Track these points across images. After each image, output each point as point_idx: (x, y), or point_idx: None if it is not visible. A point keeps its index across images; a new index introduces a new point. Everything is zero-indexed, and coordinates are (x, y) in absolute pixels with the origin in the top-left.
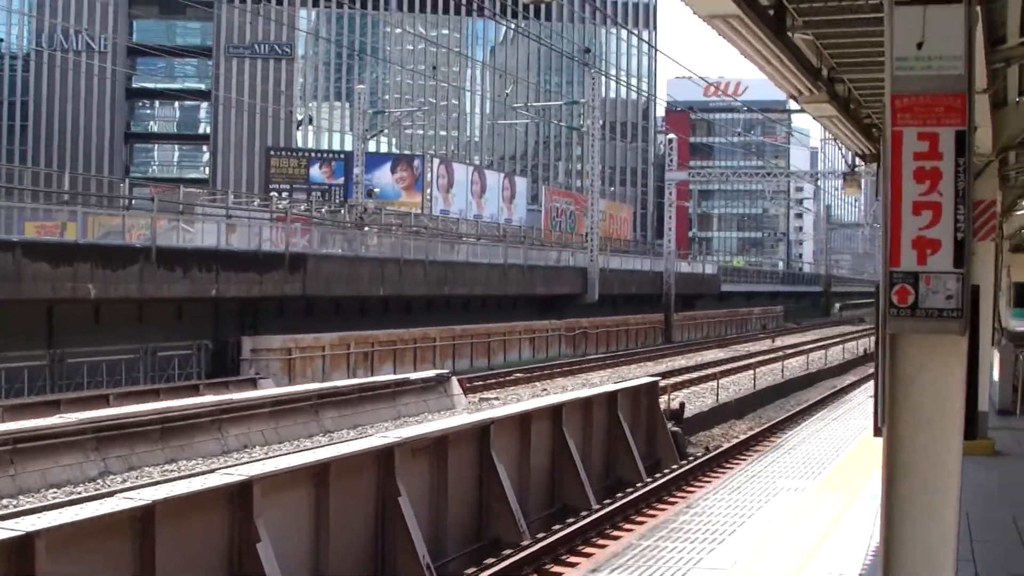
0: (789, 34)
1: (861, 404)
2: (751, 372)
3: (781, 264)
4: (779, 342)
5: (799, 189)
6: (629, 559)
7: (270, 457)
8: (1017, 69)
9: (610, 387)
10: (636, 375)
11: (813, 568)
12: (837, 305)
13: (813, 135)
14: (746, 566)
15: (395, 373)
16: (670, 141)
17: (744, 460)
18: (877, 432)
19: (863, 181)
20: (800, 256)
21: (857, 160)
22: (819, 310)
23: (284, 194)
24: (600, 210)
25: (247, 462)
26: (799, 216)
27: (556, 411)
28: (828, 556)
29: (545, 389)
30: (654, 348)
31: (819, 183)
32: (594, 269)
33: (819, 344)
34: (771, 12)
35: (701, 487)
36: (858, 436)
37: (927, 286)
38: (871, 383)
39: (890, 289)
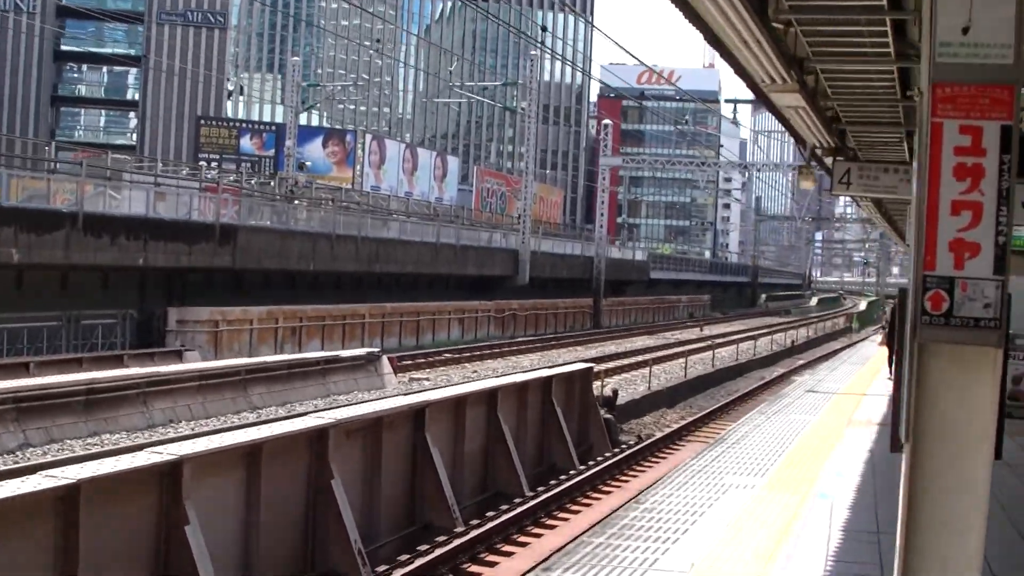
0: (770, 17)
1: (799, 399)
2: (682, 360)
3: (708, 253)
4: (707, 331)
5: (728, 180)
6: (582, 557)
7: (199, 434)
8: None
9: (545, 372)
10: (566, 359)
11: (775, 572)
12: (763, 296)
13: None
14: (704, 569)
15: (323, 349)
16: (605, 127)
17: (678, 449)
18: (896, 448)
19: (819, 174)
20: (726, 246)
21: (817, 152)
22: (745, 300)
23: (214, 164)
24: (532, 192)
25: (175, 439)
26: (727, 206)
27: (491, 395)
28: (788, 559)
29: (476, 371)
30: (583, 333)
31: (750, 174)
32: (525, 251)
33: (747, 335)
34: None
35: (636, 476)
36: (800, 432)
37: (963, 293)
38: (801, 375)
39: (922, 294)
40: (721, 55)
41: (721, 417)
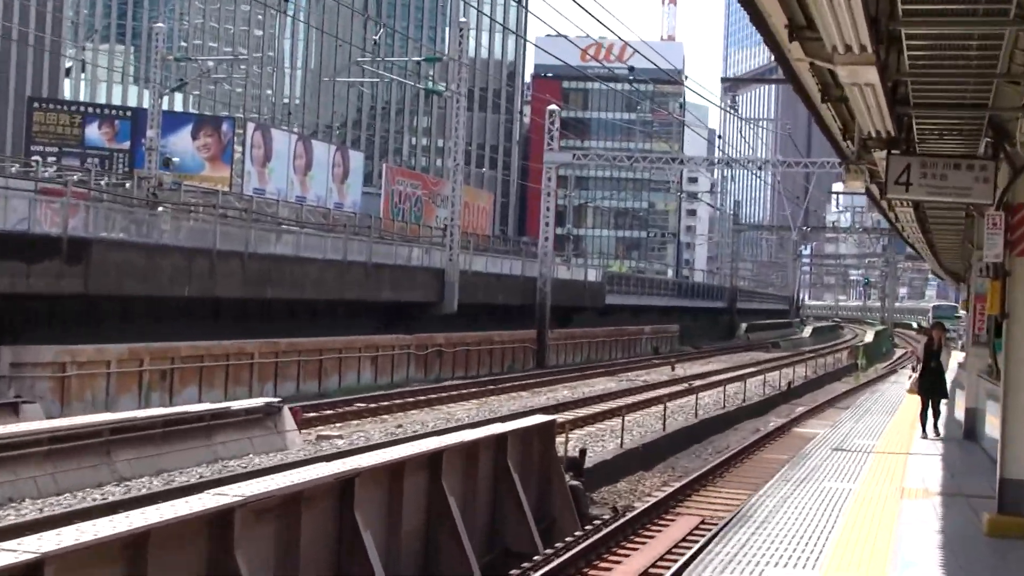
0: None
1: (827, 460)
2: (656, 409)
3: (670, 272)
4: (681, 370)
5: (693, 180)
6: None
7: (55, 519)
8: None
9: (497, 427)
10: (510, 409)
11: None
12: (743, 326)
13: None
14: None
15: (201, 399)
16: (551, 113)
17: (666, 526)
18: None
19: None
20: (691, 263)
21: (869, 144)
22: (721, 330)
23: (51, 159)
24: (460, 197)
25: (29, 524)
26: (693, 213)
27: (434, 459)
28: None
29: (400, 426)
30: (526, 374)
31: (723, 173)
32: (454, 271)
33: (732, 375)
34: None
35: (619, 563)
36: (842, 506)
37: None
38: (808, 426)
39: None
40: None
41: (714, 482)
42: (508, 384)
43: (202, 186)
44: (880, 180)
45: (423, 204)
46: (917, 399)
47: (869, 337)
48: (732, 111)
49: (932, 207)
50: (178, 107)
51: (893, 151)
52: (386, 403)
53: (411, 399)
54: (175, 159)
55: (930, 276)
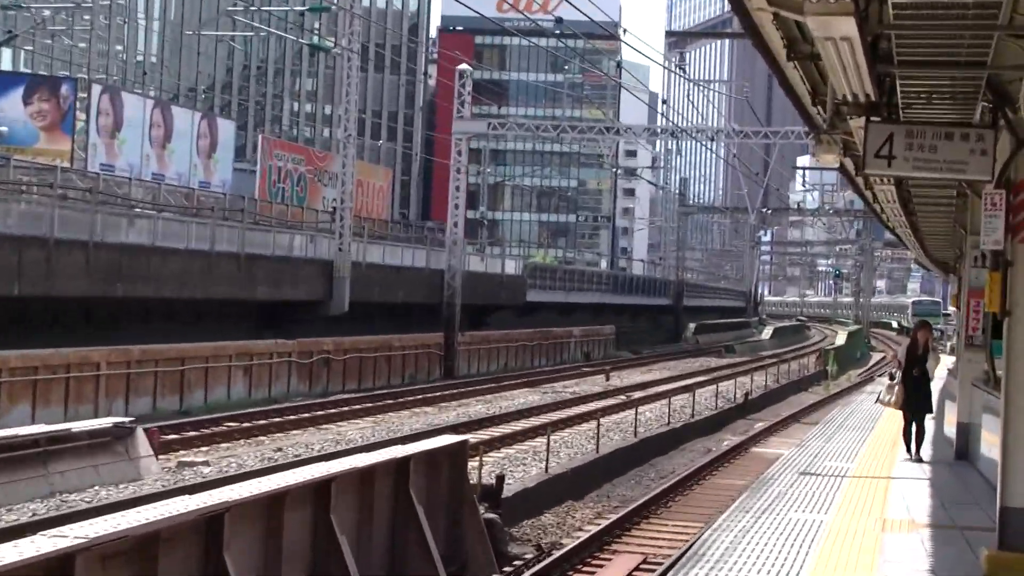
0: None
1: (793, 486)
2: (589, 426)
3: (604, 263)
4: (617, 379)
5: (631, 154)
6: None
7: None
8: None
9: (398, 450)
10: (414, 428)
11: None
12: (691, 327)
13: (655, 75)
14: None
15: (34, 419)
16: (463, 75)
17: (600, 567)
18: None
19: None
20: (627, 252)
21: (844, 109)
22: (665, 332)
23: None
24: (352, 174)
25: None
26: (630, 193)
27: (321, 490)
28: None
29: (280, 450)
30: (433, 386)
31: (666, 145)
32: (344, 263)
33: (678, 385)
34: None
35: None
36: (813, 541)
37: None
38: (770, 445)
39: None
40: None
41: (659, 513)
42: (410, 398)
43: (36, 161)
44: (857, 153)
45: (308, 183)
46: (898, 413)
47: (841, 339)
48: (678, 71)
49: (918, 185)
50: (6, 65)
51: (873, 118)
52: (262, 422)
53: (293, 417)
54: (2, 128)
55: (913, 267)
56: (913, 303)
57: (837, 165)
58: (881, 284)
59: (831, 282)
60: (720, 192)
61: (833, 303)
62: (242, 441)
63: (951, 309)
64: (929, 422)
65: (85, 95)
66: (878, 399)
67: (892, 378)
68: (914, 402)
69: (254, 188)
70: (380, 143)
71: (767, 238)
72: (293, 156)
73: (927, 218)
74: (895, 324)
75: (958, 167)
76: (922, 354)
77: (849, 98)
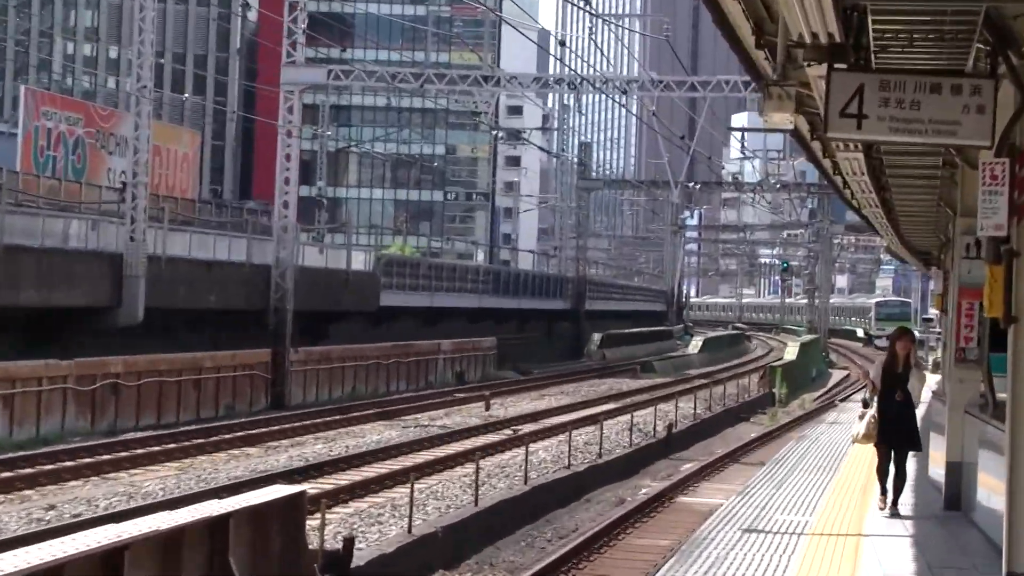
0: None
1: (733, 550)
2: (465, 471)
3: (481, 255)
4: (500, 409)
5: (516, 111)
6: None
7: None
8: None
9: (213, 506)
10: (233, 477)
11: None
12: (596, 338)
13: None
14: None
15: None
16: (292, 6)
17: None
18: None
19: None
20: (511, 240)
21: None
22: (563, 344)
23: None
24: (148, 138)
25: None
26: (514, 163)
27: (110, 560)
28: None
29: (53, 507)
30: (256, 419)
31: (565, 100)
32: (138, 257)
33: (579, 415)
34: None
35: None
36: None
37: None
38: (701, 492)
39: None
40: None
41: None
42: (228, 436)
43: None
44: (815, 111)
45: (87, 150)
46: (872, 450)
47: (791, 353)
48: (578, 3)
49: (894, 152)
50: None
51: (837, 65)
52: (28, 470)
53: (70, 463)
54: None
55: (885, 258)
56: (876, 304)
57: (789, 126)
58: (842, 281)
59: (777, 278)
60: (633, 162)
61: (780, 306)
62: (0, 497)
63: (933, 312)
64: (911, 462)
65: None
66: (855, 438)
67: (866, 405)
68: (895, 435)
69: (14, 157)
70: (185, 98)
71: (694, 221)
72: (68, 115)
73: (904, 195)
74: (860, 332)
75: (947, 129)
76: (902, 371)
77: (807, 38)
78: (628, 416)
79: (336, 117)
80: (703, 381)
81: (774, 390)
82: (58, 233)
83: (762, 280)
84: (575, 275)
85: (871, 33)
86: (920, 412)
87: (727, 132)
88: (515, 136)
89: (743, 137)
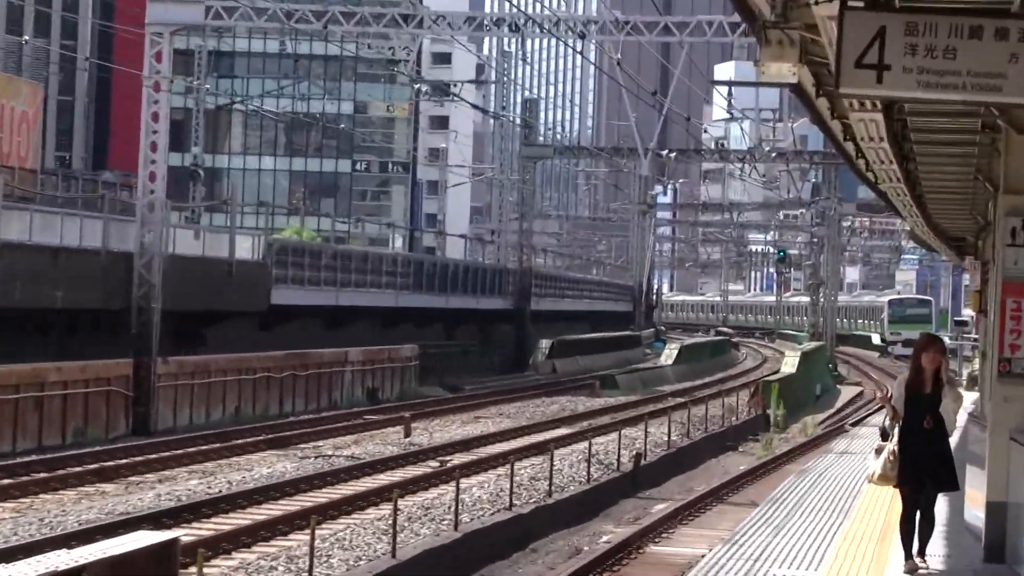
0: None
1: None
2: (380, 512)
3: (399, 241)
4: (423, 435)
5: (443, 59)
6: None
7: None
8: None
9: (62, 558)
10: (85, 521)
11: None
12: (544, 345)
13: None
14: None
15: None
16: None
17: None
18: None
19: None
20: (438, 222)
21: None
22: (505, 353)
23: None
24: None
25: None
26: (440, 124)
27: None
28: None
29: None
30: (116, 447)
31: (506, 45)
32: None
33: (524, 443)
34: None
35: None
36: None
37: None
38: (673, 543)
39: None
40: None
41: None
42: (78, 468)
43: None
44: (823, 61)
45: None
46: (891, 491)
47: (790, 364)
48: None
49: (921, 112)
50: None
51: (852, 3)
52: None
53: None
54: None
55: (907, 245)
56: (889, 303)
57: (792, 80)
58: (853, 274)
59: (771, 271)
60: (592, 124)
61: (776, 305)
62: None
63: (967, 314)
64: (941, 501)
65: None
66: (871, 478)
67: (884, 435)
68: (923, 473)
69: None
70: (24, 41)
71: (668, 199)
72: None
73: (933, 166)
74: (877, 339)
75: (989, 83)
76: (932, 391)
77: None
78: (585, 444)
79: (216, 66)
80: (679, 400)
81: (769, 411)
82: None
83: (753, 273)
84: (518, 266)
85: None
86: (953, 440)
87: (709, 87)
88: (442, 91)
89: (729, 93)
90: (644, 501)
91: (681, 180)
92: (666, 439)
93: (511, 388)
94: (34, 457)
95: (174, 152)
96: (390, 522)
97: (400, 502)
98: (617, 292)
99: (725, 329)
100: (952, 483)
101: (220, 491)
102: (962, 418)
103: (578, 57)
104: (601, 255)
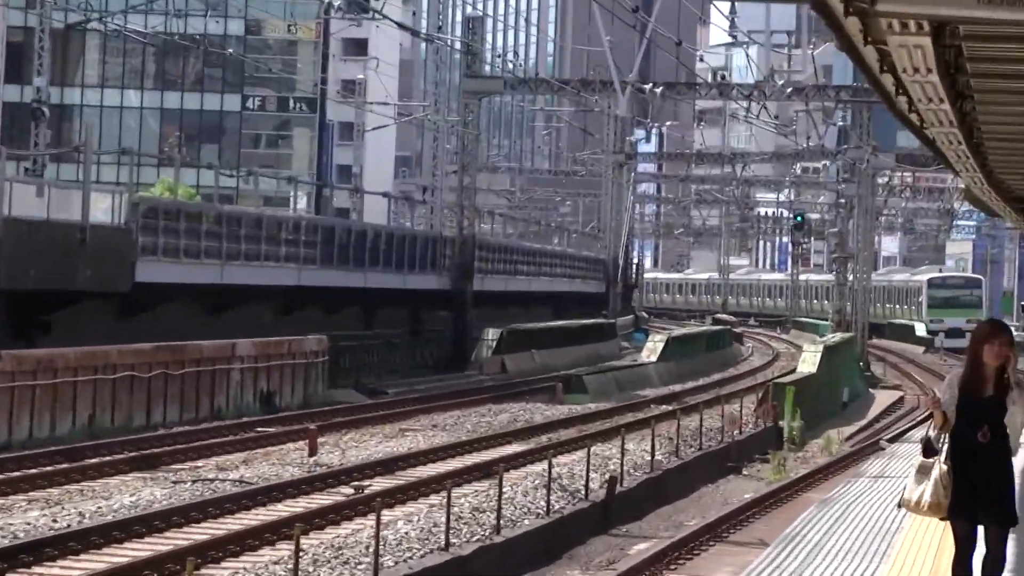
0: None
1: None
2: (279, 553)
3: (303, 201)
4: (333, 452)
5: None
6: None
7: None
8: None
9: None
10: None
11: None
12: (492, 336)
13: None
14: None
15: None
16: None
17: None
18: None
19: None
20: (353, 175)
21: None
22: (438, 348)
23: None
24: None
25: None
26: (357, 47)
27: None
28: None
29: None
30: None
31: None
32: None
33: (464, 464)
34: None
35: None
36: None
37: None
38: None
39: None
40: None
41: None
42: None
43: None
44: None
45: None
46: (939, 524)
47: (809, 362)
48: None
49: (981, 35)
50: None
51: None
52: None
53: None
54: None
55: (962, 207)
56: (929, 283)
57: None
58: (892, 245)
59: (785, 241)
60: (553, 49)
61: (791, 284)
62: None
63: None
64: (1011, 538)
65: None
66: (900, 501)
67: (928, 450)
68: (977, 499)
69: None
70: None
71: (651, 147)
72: None
73: (997, 106)
74: (921, 329)
75: None
76: (994, 395)
77: None
78: (544, 465)
79: None
80: (666, 408)
81: (781, 423)
82: None
83: (761, 244)
84: (457, 235)
85: None
86: (1020, 463)
87: (706, 3)
88: (360, 6)
89: (732, 10)
90: (620, 539)
91: (669, 123)
92: (648, 459)
93: (448, 392)
94: None
95: (11, 84)
96: (290, 567)
97: (304, 540)
98: (586, 268)
99: (725, 316)
100: (1008, 516)
101: (68, 526)
102: None
103: None
104: (565, 220)
